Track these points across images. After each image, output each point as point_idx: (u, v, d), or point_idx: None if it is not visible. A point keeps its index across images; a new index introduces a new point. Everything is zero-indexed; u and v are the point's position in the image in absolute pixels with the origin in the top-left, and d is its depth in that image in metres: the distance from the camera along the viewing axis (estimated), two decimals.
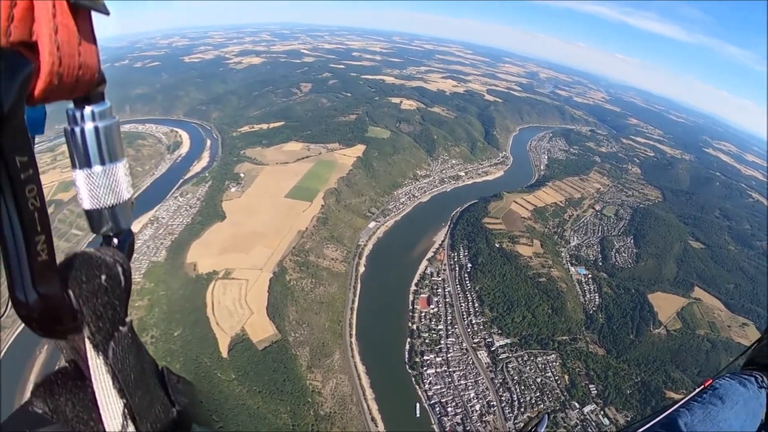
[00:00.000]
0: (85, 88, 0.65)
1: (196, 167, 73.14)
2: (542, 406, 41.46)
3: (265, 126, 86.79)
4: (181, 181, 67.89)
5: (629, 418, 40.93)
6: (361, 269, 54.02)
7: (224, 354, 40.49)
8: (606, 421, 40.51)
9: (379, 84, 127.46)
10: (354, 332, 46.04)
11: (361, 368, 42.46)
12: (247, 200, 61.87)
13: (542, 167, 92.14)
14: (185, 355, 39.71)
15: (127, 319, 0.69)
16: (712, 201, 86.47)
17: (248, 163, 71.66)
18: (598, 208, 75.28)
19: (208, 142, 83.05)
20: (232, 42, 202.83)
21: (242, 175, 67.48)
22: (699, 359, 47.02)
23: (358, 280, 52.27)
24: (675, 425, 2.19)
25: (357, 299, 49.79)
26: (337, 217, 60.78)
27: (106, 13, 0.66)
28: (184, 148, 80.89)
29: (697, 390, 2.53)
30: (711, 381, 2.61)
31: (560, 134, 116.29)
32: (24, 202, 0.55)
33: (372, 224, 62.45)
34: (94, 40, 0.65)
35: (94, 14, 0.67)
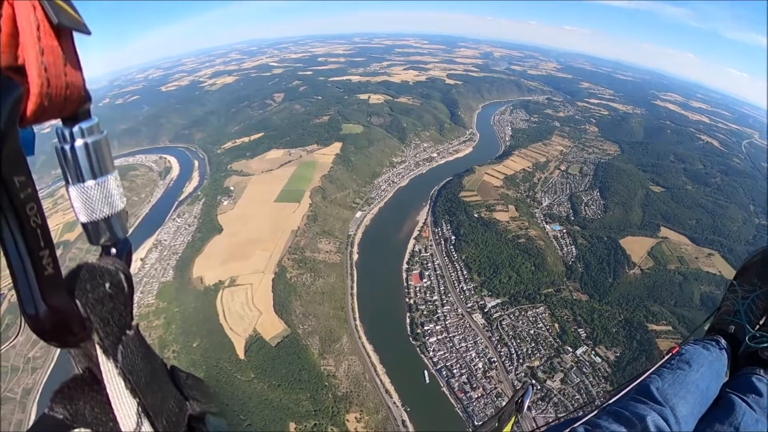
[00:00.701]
0: (73, 106, 0.65)
1: (189, 188, 73.68)
2: (539, 354, 42.85)
3: (246, 139, 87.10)
4: (177, 203, 68.27)
5: (618, 354, 42.51)
6: (355, 257, 54.96)
7: (241, 356, 41.37)
8: (598, 360, 42.11)
9: (347, 84, 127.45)
10: (357, 315, 47.03)
11: (369, 347, 43.59)
12: (240, 210, 62.55)
13: (507, 138, 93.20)
14: (206, 363, 40.42)
15: (133, 323, 0.70)
16: (666, 148, 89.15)
17: (235, 176, 72.09)
18: (563, 168, 76.60)
19: (196, 163, 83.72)
20: (204, 65, 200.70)
21: (232, 188, 68.04)
22: (674, 291, 48.99)
23: (354, 267, 53.21)
24: (648, 391, 2.27)
25: (355, 285, 50.75)
26: (326, 213, 61.61)
27: (88, 32, 0.65)
28: (175, 172, 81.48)
29: (666, 357, 2.63)
30: (678, 348, 2.74)
31: (520, 106, 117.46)
32: (26, 219, 0.56)
33: (359, 214, 63.38)
34: (78, 60, 0.64)
35: (76, 35, 0.65)
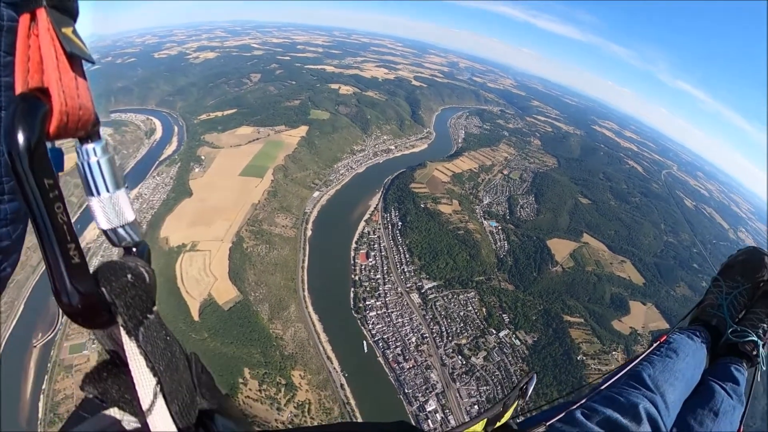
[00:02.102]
0: (86, 126, 0.71)
1: (168, 150, 73.05)
2: (466, 333, 44.74)
3: (220, 113, 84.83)
4: (157, 162, 68.00)
5: (536, 339, 45.14)
6: (309, 233, 55.21)
7: (196, 318, 41.28)
8: (517, 342, 44.46)
9: (321, 73, 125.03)
10: (306, 287, 47.51)
11: (315, 317, 44.35)
12: (209, 179, 61.60)
13: (460, 140, 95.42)
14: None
15: (154, 309, 0.74)
16: (597, 166, 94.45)
17: (207, 146, 70.64)
18: (505, 172, 79.30)
19: (176, 129, 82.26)
20: (191, 39, 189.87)
21: (203, 157, 67.04)
22: (588, 289, 52.32)
23: (307, 243, 53.51)
24: (640, 377, 2.27)
25: (307, 259, 51.14)
26: (286, 190, 61.36)
27: (92, 62, 0.73)
28: (158, 134, 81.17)
29: (656, 345, 2.62)
30: (666, 337, 2.72)
31: (475, 113, 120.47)
32: (54, 216, 0.61)
33: (316, 194, 63.58)
34: (87, 84, 0.70)
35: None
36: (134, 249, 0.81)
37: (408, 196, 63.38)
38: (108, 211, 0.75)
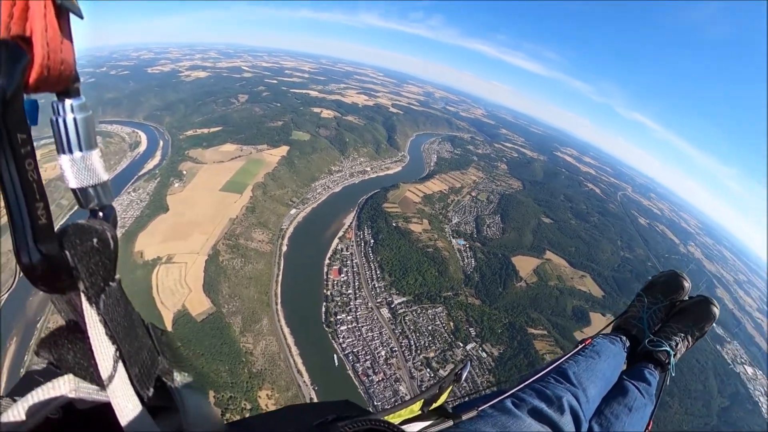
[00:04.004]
0: (66, 82, 0.66)
1: (150, 164, 71.06)
2: (434, 347, 44.42)
3: (206, 130, 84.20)
4: (136, 177, 65.74)
5: (501, 351, 45.15)
6: (284, 248, 54.54)
7: (169, 328, 39.39)
8: (484, 354, 44.37)
9: (305, 97, 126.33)
10: (279, 300, 46.66)
11: (287, 330, 43.41)
12: (188, 194, 60.10)
13: (432, 164, 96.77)
14: None
15: (116, 277, 0.71)
16: (558, 189, 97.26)
17: (190, 162, 69.48)
18: (474, 194, 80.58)
19: (161, 143, 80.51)
20: (186, 57, 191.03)
21: (185, 172, 65.61)
22: (551, 303, 53.08)
23: (282, 258, 52.75)
24: (565, 373, 2.37)
25: (281, 273, 50.31)
26: (264, 206, 60.71)
27: (81, 17, 0.65)
28: (142, 147, 79.52)
29: (580, 347, 2.74)
30: (590, 340, 2.85)
31: (447, 139, 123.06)
32: (24, 173, 0.56)
33: (293, 211, 63.13)
34: (71, 40, 0.64)
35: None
36: (101, 213, 0.75)
37: (381, 215, 63.51)
38: (80, 170, 0.70)
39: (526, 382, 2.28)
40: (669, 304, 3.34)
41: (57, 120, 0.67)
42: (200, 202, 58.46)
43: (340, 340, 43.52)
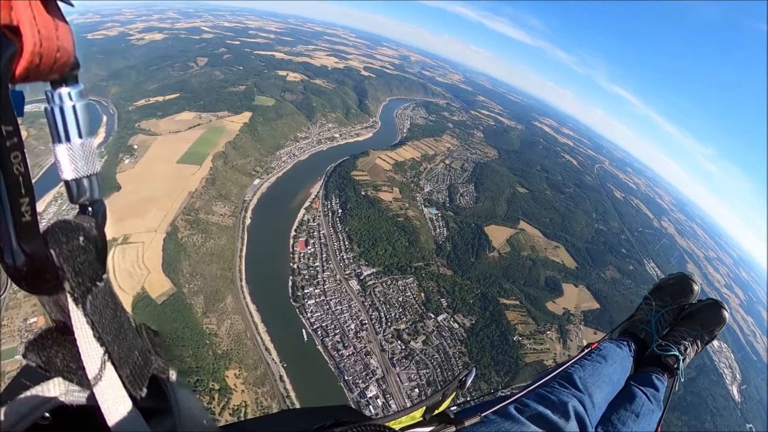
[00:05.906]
0: (62, 70, 0.64)
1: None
2: (405, 318, 44.63)
3: (161, 98, 78.11)
4: None
5: (473, 321, 45.80)
6: (248, 221, 52.72)
7: (128, 312, 37.84)
8: (456, 325, 44.95)
9: (270, 59, 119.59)
10: (243, 277, 45.36)
11: (252, 307, 42.42)
12: (141, 169, 56.13)
13: (405, 130, 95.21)
14: None
15: (104, 277, 0.69)
16: (535, 159, 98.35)
17: (142, 134, 64.48)
18: (447, 162, 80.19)
19: (105, 119, 72.76)
20: (140, 19, 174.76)
21: (136, 146, 60.78)
22: (524, 273, 54.03)
23: (245, 231, 51.06)
24: (571, 379, 2.38)
25: (245, 248, 48.79)
26: (225, 177, 58.02)
27: (70, 4, 0.64)
28: None
29: (586, 351, 2.77)
30: (597, 344, 2.88)
31: (422, 105, 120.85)
32: (9, 166, 0.54)
33: (257, 181, 60.71)
34: (67, 26, 0.63)
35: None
36: (90, 208, 0.74)
37: (349, 183, 62.40)
38: (77, 159, 0.68)
39: (531, 387, 2.29)
40: (678, 308, 3.37)
41: (53, 108, 0.66)
42: (156, 176, 54.94)
43: (308, 314, 43.07)
